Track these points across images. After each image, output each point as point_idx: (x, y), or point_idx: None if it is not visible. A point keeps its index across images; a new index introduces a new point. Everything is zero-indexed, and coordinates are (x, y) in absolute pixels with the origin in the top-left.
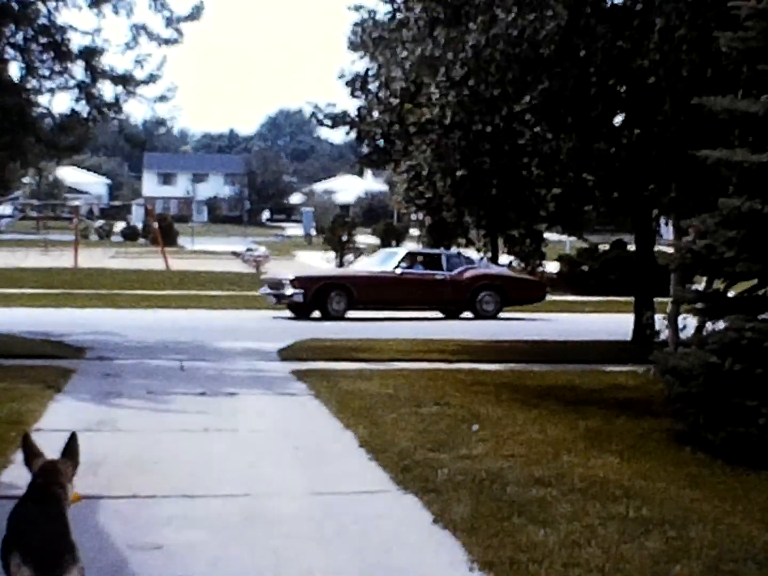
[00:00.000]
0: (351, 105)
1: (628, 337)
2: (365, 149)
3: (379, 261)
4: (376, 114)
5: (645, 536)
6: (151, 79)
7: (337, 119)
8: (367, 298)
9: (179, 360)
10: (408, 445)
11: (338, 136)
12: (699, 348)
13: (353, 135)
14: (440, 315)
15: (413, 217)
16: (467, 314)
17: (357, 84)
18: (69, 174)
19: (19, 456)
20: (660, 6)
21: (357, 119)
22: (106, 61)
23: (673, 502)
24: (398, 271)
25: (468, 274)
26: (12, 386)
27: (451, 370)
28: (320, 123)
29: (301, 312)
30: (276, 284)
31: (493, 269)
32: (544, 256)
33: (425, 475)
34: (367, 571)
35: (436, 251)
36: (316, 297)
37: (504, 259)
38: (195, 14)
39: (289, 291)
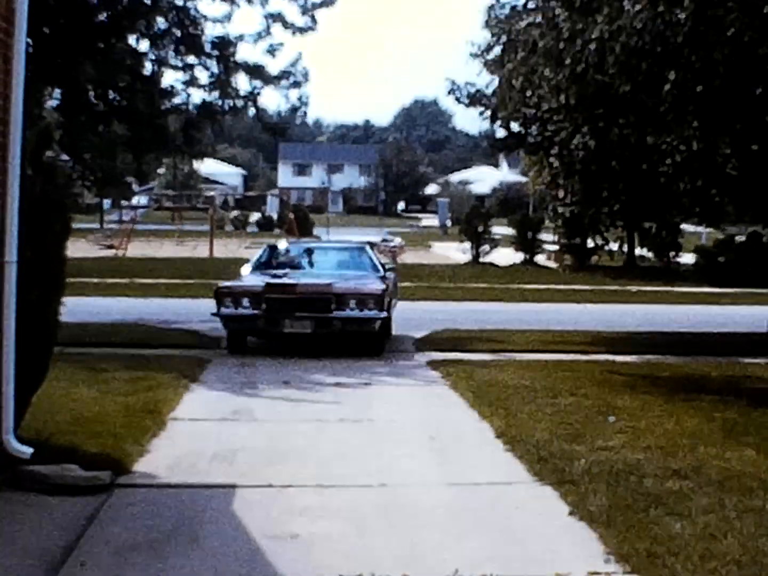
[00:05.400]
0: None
1: (765, 329)
2: (499, 133)
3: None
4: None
5: None
6: (285, 75)
7: (474, 98)
8: None
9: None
10: (544, 437)
11: (474, 125)
12: None
13: (488, 114)
14: None
15: (550, 208)
16: None
17: (489, 64)
18: (205, 165)
19: (155, 444)
20: None
21: (490, 100)
22: (239, 53)
23: None
24: None
25: None
26: (149, 376)
27: (586, 362)
28: (458, 100)
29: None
30: (323, 301)
31: None
32: (681, 247)
33: (562, 466)
34: (503, 562)
35: None
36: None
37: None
38: (330, 0)
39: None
